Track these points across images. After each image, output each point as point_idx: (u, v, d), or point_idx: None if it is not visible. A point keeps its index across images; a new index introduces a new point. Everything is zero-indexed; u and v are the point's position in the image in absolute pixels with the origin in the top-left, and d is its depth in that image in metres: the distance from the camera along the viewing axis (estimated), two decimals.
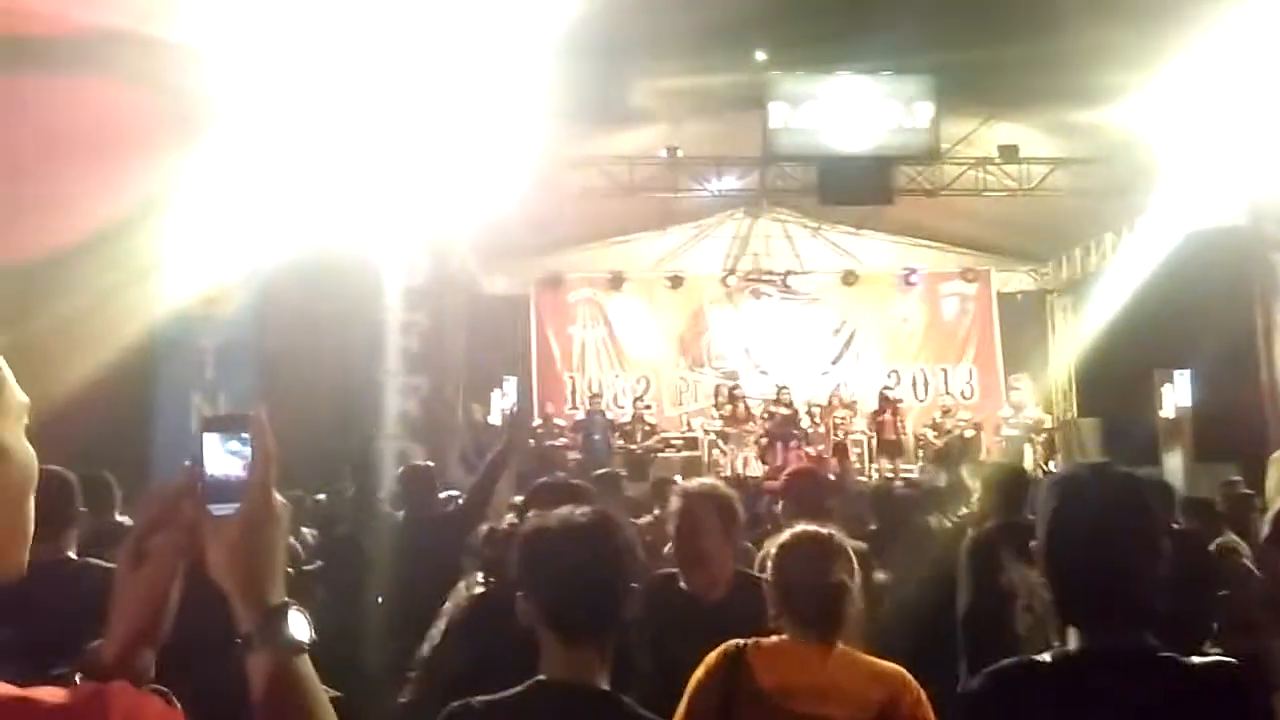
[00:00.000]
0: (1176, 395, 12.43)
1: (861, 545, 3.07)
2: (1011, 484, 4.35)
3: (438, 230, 10.45)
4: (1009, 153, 11.58)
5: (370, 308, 9.47)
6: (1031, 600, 4.22)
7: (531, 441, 11.63)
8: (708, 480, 3.67)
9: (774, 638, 2.27)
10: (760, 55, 10.72)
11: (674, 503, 3.20)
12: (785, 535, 2.39)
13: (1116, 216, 12.31)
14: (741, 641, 2.26)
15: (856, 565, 2.35)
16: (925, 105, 11.00)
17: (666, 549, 4.08)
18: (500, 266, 13.69)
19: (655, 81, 9.76)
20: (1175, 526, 5.35)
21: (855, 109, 11.12)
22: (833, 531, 2.40)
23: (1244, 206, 10.52)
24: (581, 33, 7.90)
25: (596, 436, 12.32)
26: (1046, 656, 1.55)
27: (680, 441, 12.82)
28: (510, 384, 12.13)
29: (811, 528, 2.40)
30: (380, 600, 4.25)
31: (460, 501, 4.75)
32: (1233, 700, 1.49)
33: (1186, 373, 12.36)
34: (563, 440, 12.31)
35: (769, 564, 2.35)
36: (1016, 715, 1.54)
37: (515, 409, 11.50)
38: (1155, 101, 9.61)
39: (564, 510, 1.84)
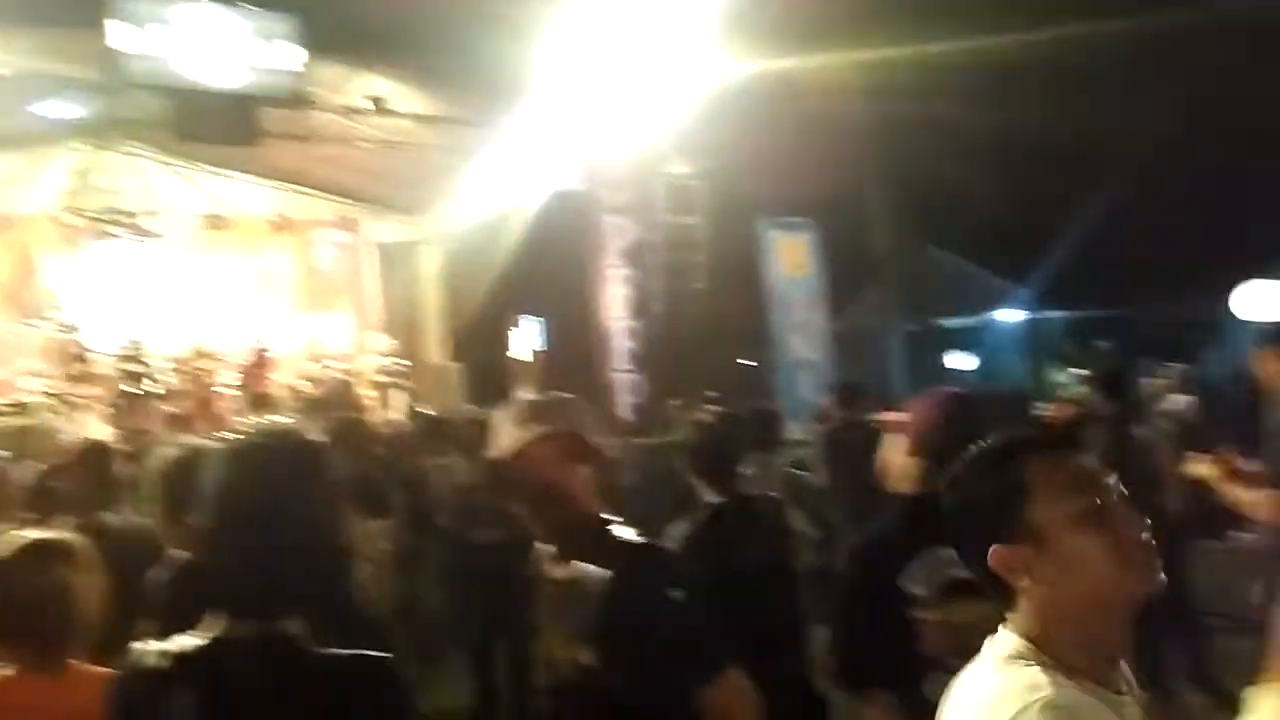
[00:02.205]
0: (530, 340, 13.83)
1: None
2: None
3: None
4: (378, 104, 11.66)
5: None
6: (372, 550, 4.33)
7: None
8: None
9: None
10: None
11: None
12: None
13: (482, 173, 13.07)
14: None
15: (87, 566, 2.05)
16: (293, 47, 10.58)
17: None
18: None
19: None
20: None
21: (214, 41, 10.32)
22: (61, 534, 2.09)
23: (583, 171, 11.84)
24: None
25: None
26: (183, 643, 1.42)
27: (9, 408, 10.91)
28: None
29: (32, 533, 2.06)
30: None
31: None
32: (364, 693, 1.42)
33: (538, 320, 13.86)
34: None
35: None
36: (139, 706, 1.41)
37: None
38: (518, 66, 10.32)
39: None
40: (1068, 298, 19.57)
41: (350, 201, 14.88)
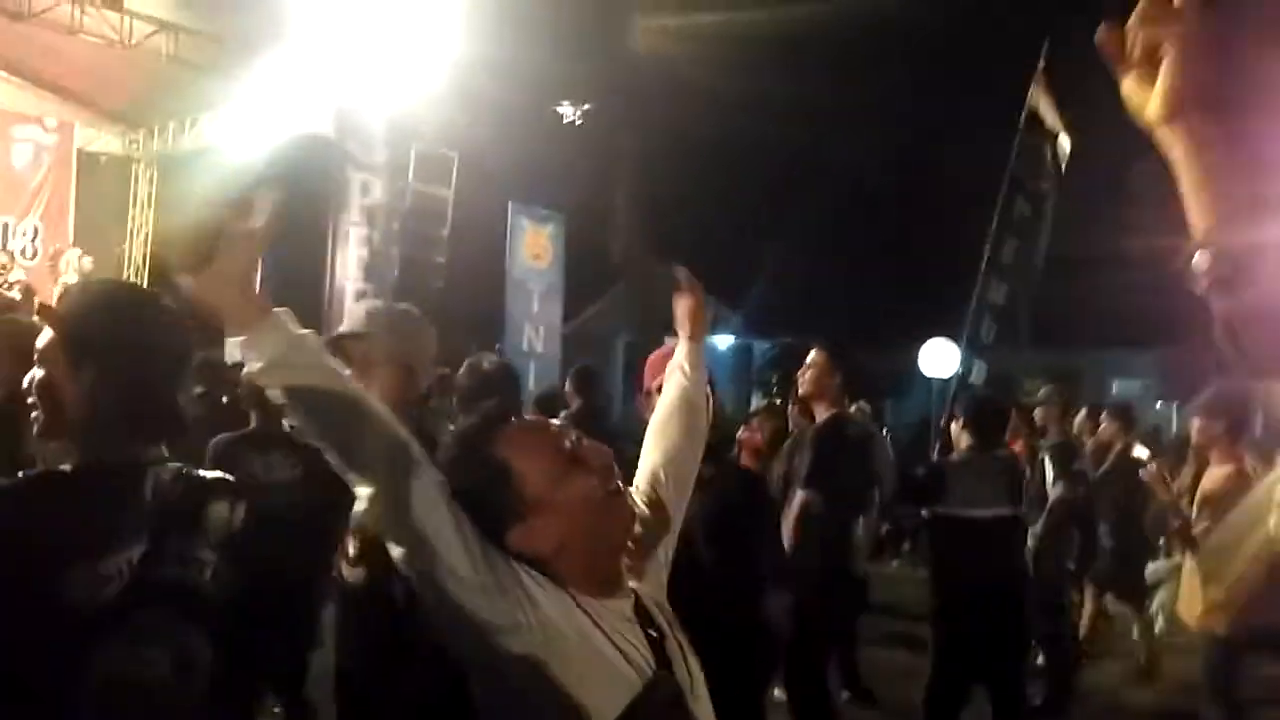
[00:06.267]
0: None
1: None
2: None
3: None
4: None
5: None
6: None
7: None
8: None
9: None
10: None
11: None
12: None
13: (217, 96, 12.11)
14: None
15: None
16: None
17: None
18: None
19: None
20: None
21: None
22: None
23: (332, 118, 11.28)
24: None
25: None
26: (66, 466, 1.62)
27: None
28: None
29: None
30: None
31: None
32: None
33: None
34: None
35: None
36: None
37: None
38: None
39: None
40: (773, 328, 21.11)
41: (61, 100, 13.31)
